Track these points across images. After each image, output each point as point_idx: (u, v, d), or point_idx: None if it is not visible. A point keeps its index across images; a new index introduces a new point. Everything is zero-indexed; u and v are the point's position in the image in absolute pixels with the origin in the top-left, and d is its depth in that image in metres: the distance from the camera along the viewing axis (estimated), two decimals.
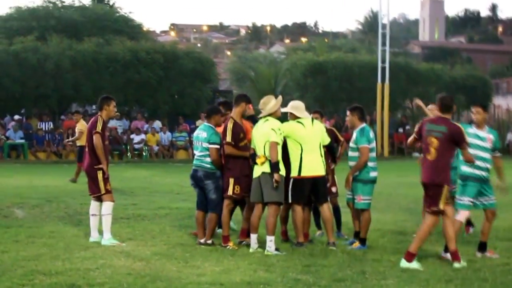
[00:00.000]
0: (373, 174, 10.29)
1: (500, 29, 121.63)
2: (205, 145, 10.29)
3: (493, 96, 46.63)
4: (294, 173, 10.04)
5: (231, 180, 10.08)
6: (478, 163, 9.47)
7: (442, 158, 8.83)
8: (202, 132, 10.53)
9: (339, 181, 11.17)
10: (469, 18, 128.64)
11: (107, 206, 10.53)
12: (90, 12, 39.04)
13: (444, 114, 9.07)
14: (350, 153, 10.46)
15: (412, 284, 7.86)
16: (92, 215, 10.68)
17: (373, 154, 10.32)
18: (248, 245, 9.89)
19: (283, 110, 10.26)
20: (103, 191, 10.51)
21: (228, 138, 10.04)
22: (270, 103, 10.09)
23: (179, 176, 22.10)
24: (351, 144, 10.43)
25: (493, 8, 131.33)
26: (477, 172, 9.56)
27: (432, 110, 10.79)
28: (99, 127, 10.46)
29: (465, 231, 11.29)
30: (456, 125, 9.02)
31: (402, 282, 7.96)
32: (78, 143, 19.91)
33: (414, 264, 8.76)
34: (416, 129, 9.44)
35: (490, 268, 8.71)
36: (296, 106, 10.35)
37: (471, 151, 9.20)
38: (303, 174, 10.04)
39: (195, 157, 10.50)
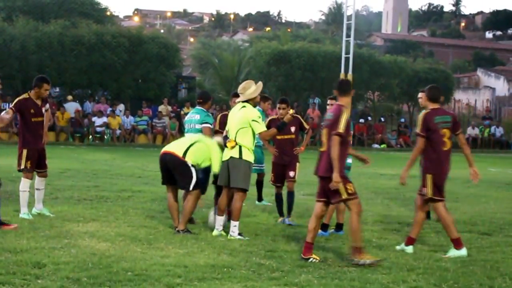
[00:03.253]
0: (349, 160, 10.55)
1: (462, 24, 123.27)
2: (198, 126, 10.75)
3: (454, 90, 47.48)
4: None
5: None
6: None
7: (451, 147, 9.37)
8: (195, 115, 10.98)
9: (303, 170, 11.44)
10: (432, 12, 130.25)
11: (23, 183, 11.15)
12: None
13: (435, 104, 9.38)
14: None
15: (375, 272, 7.97)
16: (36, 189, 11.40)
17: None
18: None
19: (238, 100, 10.29)
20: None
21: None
22: (250, 88, 10.10)
23: (140, 160, 22.51)
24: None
25: (457, 3, 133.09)
26: None
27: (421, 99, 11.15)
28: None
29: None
30: (455, 113, 9.52)
31: (365, 269, 8.09)
32: None
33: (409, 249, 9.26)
34: (420, 128, 9.36)
35: (451, 259, 8.88)
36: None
37: None
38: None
39: None
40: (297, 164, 11.64)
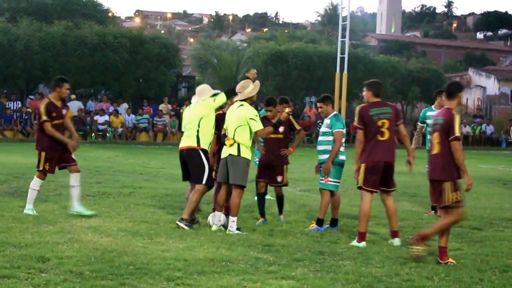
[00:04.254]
0: (341, 157, 10.68)
1: (454, 25, 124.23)
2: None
3: None
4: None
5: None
6: None
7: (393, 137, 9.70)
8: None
9: (300, 167, 11.56)
10: (425, 13, 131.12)
11: (34, 181, 11.19)
12: None
13: (377, 98, 9.68)
14: (321, 138, 10.80)
15: (369, 265, 8.08)
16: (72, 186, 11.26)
17: (343, 139, 10.82)
18: None
19: (236, 98, 10.46)
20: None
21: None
22: (249, 87, 10.28)
23: (141, 157, 22.67)
24: (323, 129, 10.77)
25: (449, 4, 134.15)
26: None
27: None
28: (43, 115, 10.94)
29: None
30: (395, 106, 9.85)
31: (359, 263, 8.19)
32: None
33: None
34: (357, 121, 9.65)
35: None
36: (199, 90, 10.75)
37: None
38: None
39: None
40: (285, 166, 11.31)
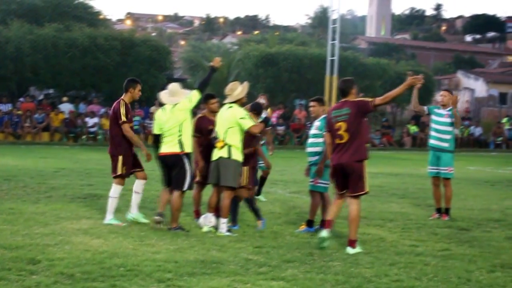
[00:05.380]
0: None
1: (443, 28, 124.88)
2: None
3: (435, 91, 48.02)
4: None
5: None
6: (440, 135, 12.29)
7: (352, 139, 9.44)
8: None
9: (289, 169, 11.60)
10: (414, 16, 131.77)
11: (115, 189, 10.81)
12: None
13: (344, 97, 9.44)
14: (311, 140, 10.85)
15: (358, 266, 8.18)
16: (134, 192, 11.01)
17: None
18: None
19: (226, 101, 10.36)
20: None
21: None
22: (237, 89, 10.36)
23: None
24: (313, 131, 10.82)
25: (438, 7, 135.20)
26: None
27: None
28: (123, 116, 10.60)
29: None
30: (357, 101, 9.33)
31: (348, 264, 8.30)
32: None
33: (358, 249, 9.08)
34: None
35: (431, 253, 9.12)
36: (170, 90, 10.56)
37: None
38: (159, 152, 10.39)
39: None
40: (245, 168, 10.60)
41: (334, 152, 9.38)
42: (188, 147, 10.32)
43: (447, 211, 12.40)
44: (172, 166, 10.30)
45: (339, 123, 9.29)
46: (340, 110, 9.37)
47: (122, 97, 10.75)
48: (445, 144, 12.49)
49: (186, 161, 10.24)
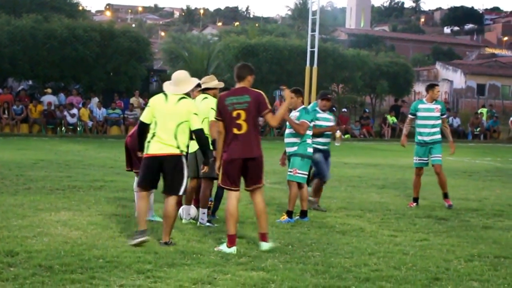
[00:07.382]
0: (310, 150, 10.89)
1: (422, 20, 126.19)
2: None
3: (414, 83, 48.37)
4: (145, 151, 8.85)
5: None
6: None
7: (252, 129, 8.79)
8: None
9: (269, 159, 11.54)
10: (393, 8, 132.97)
11: None
12: None
13: (240, 84, 8.74)
14: (289, 130, 10.95)
15: (337, 256, 8.21)
16: None
17: (311, 132, 11.00)
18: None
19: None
20: None
21: None
22: (213, 82, 10.47)
23: (112, 151, 22.54)
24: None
25: (417, 0, 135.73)
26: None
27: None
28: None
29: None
30: (259, 92, 8.70)
31: (328, 254, 8.32)
32: None
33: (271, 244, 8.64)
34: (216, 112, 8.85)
35: (410, 243, 9.16)
36: (176, 78, 9.03)
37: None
38: (149, 152, 8.78)
39: None
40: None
41: (230, 144, 8.52)
42: (185, 146, 9.15)
43: (446, 195, 12.74)
44: (168, 169, 8.75)
45: (238, 111, 8.45)
46: (239, 97, 8.50)
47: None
48: (438, 136, 12.91)
49: (184, 163, 8.88)
